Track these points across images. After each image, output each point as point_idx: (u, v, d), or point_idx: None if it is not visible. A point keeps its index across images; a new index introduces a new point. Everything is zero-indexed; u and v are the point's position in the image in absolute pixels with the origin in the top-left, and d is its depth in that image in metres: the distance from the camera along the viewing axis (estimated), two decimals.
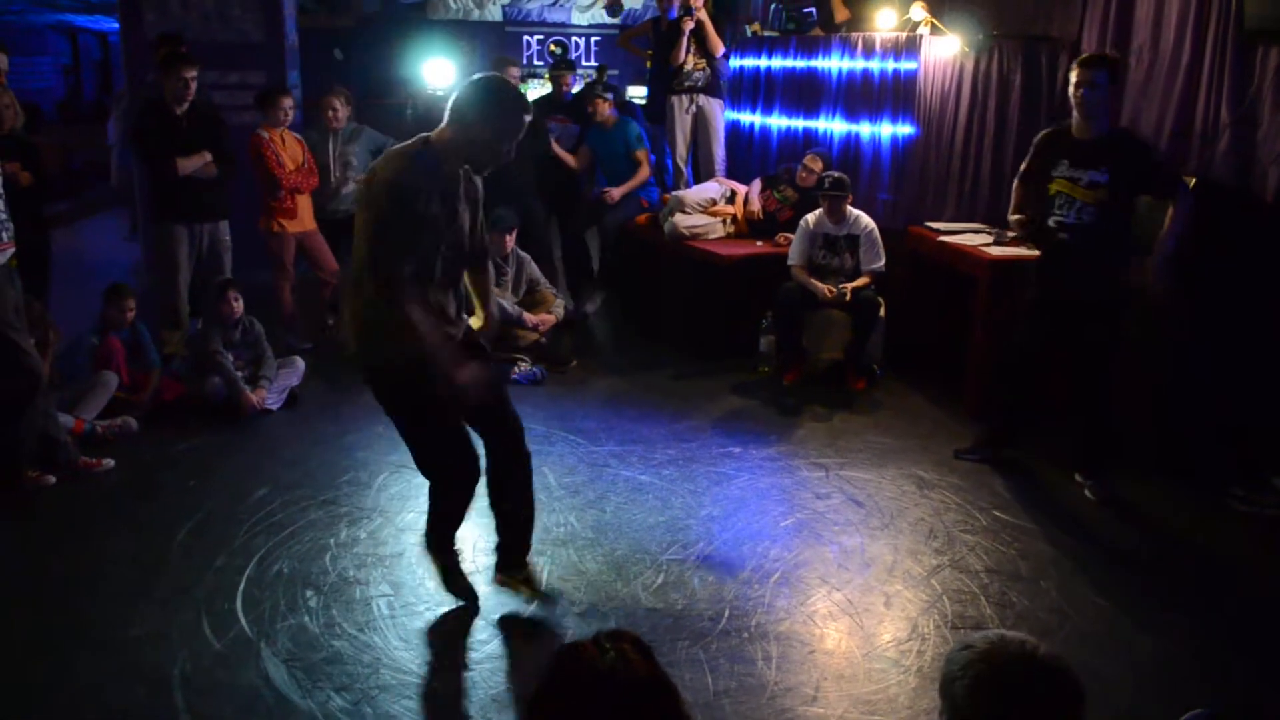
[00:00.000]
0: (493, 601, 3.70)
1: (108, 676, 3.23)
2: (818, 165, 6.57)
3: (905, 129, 6.35)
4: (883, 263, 6.04)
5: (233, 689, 3.18)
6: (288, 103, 6.52)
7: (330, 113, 6.82)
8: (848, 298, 5.88)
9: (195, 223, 6.20)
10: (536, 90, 14.80)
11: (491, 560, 3.96)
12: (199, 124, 6.15)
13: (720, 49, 7.50)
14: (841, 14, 7.46)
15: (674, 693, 1.60)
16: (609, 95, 7.64)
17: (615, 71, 15.16)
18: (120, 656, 3.34)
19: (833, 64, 6.77)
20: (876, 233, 6.05)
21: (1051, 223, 4.63)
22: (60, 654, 3.35)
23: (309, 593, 3.73)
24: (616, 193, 7.42)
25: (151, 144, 6.09)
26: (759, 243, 6.83)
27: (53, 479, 4.61)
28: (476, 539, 4.12)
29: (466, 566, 3.91)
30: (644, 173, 7.50)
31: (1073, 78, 4.50)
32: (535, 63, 17.11)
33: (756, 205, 6.98)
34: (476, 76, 3.29)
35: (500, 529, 3.71)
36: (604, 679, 1.55)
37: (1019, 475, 4.91)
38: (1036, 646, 1.65)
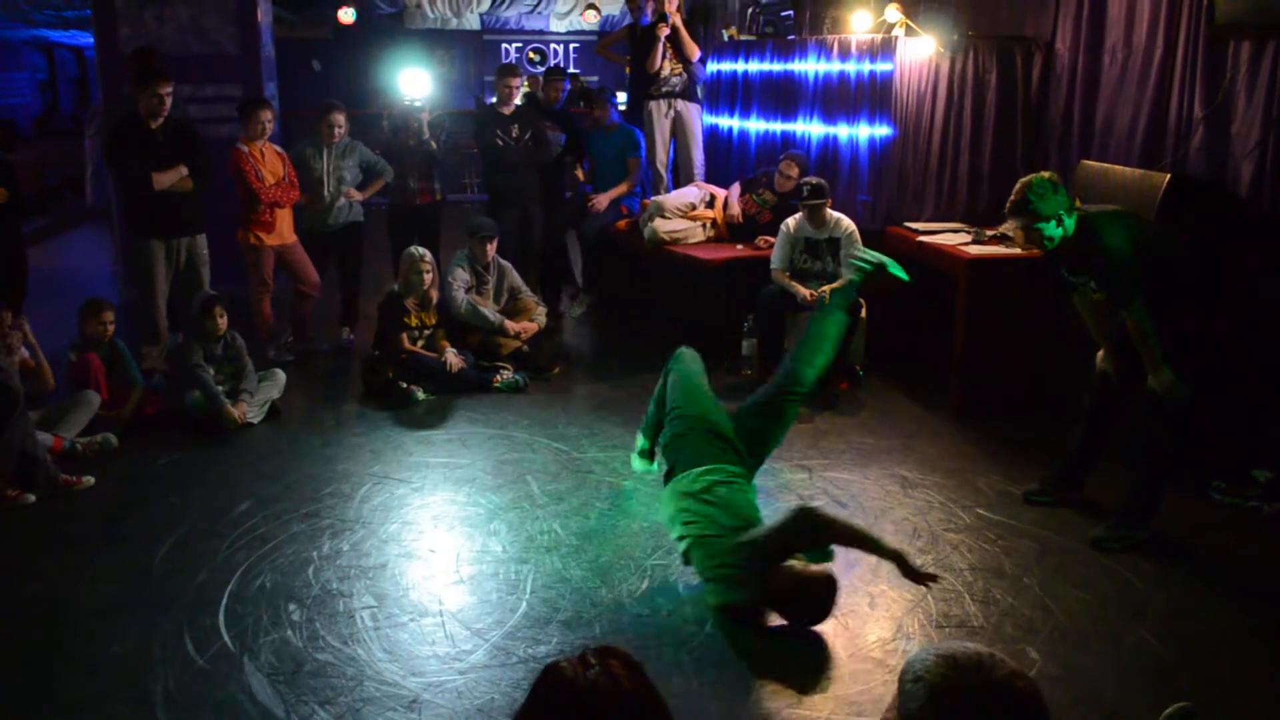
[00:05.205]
0: (476, 611, 3.69)
1: (89, 695, 3.21)
2: (794, 170, 6.58)
3: (882, 130, 6.36)
4: None
5: (216, 705, 3.15)
6: (266, 115, 6.45)
7: (337, 128, 6.77)
8: (827, 300, 5.89)
9: (172, 237, 6.17)
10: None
11: (479, 568, 3.96)
12: (175, 138, 6.13)
13: (696, 53, 7.52)
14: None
15: (664, 710, 1.56)
16: (613, 99, 7.80)
17: (594, 78, 15.18)
18: (102, 674, 3.31)
19: (809, 67, 6.79)
20: (857, 235, 6.06)
21: None
22: (41, 673, 3.32)
23: (292, 606, 3.70)
24: (603, 200, 7.47)
25: (127, 159, 6.06)
26: (739, 246, 6.84)
27: (32, 497, 4.57)
28: (460, 548, 4.12)
29: (450, 575, 3.91)
30: (632, 181, 7.54)
31: None
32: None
33: (736, 209, 6.99)
34: None
35: None
36: (590, 698, 1.49)
37: (1001, 479, 4.93)
38: (996, 668, 1.43)
